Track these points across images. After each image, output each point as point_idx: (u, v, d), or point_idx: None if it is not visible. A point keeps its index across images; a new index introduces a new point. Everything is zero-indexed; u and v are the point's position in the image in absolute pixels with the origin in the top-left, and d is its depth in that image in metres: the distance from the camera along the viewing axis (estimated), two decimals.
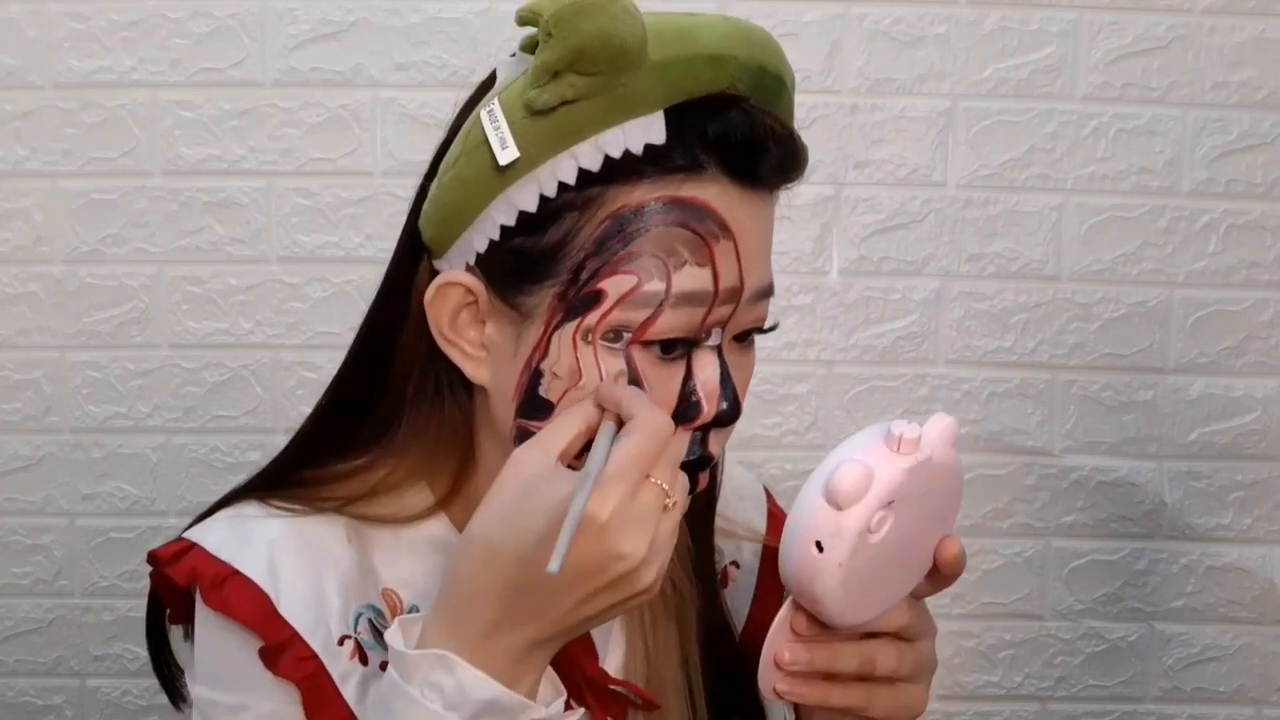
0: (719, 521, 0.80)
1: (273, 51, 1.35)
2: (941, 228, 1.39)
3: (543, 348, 0.64)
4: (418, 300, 0.67)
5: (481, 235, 0.64)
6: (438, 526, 0.72)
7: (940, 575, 0.65)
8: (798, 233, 1.38)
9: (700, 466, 0.66)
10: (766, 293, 0.67)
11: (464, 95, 0.69)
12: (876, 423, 0.61)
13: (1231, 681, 1.46)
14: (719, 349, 0.65)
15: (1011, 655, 1.45)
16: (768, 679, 0.65)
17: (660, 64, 0.61)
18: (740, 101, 0.63)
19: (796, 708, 0.69)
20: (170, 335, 1.38)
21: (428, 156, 0.69)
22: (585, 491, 0.55)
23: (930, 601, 0.67)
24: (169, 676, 0.76)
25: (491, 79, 0.67)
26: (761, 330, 0.68)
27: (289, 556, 0.67)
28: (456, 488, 0.71)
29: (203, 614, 0.67)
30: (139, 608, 0.75)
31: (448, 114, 0.69)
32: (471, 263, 0.65)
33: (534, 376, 0.64)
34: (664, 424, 0.58)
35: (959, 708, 1.46)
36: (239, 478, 0.73)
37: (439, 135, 0.69)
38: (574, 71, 0.60)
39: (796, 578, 0.61)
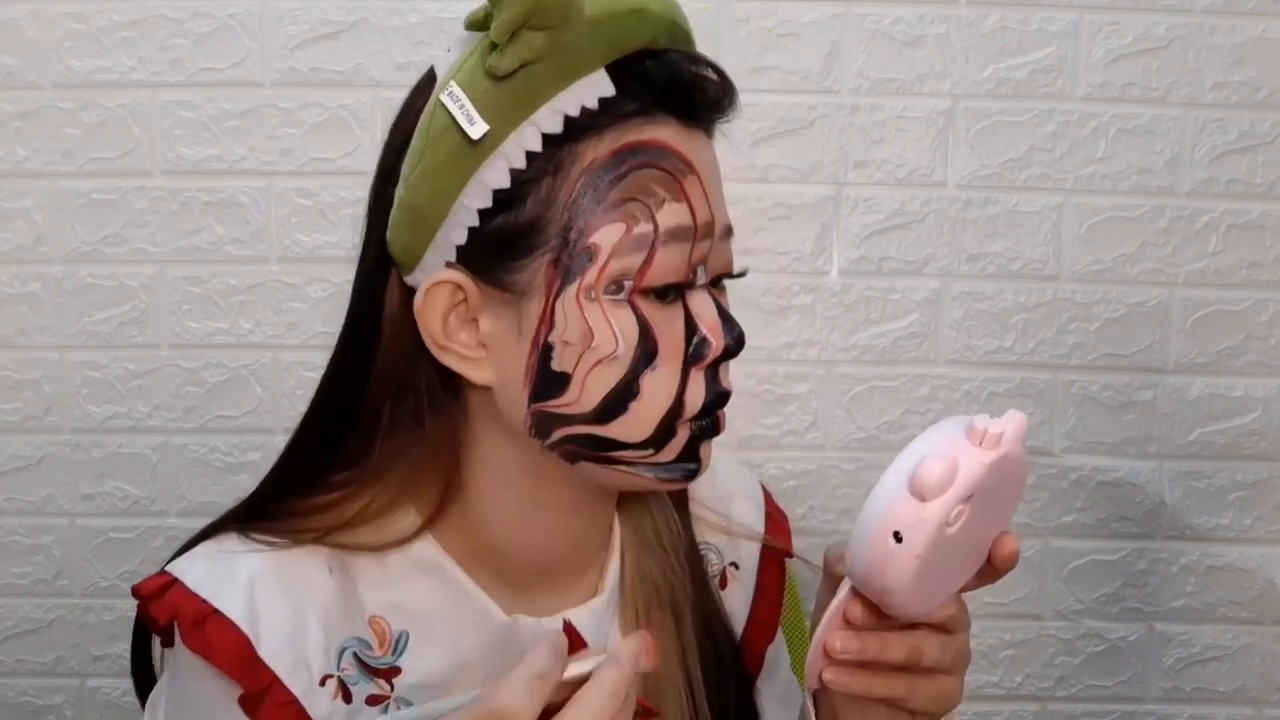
0: (718, 519, 0.79)
1: (273, 51, 1.35)
2: (941, 228, 1.39)
3: (548, 319, 0.64)
4: (389, 323, 0.67)
5: (458, 227, 0.64)
6: (424, 548, 0.71)
7: (993, 570, 0.65)
8: (798, 233, 1.38)
9: (720, 404, 0.67)
10: (730, 232, 0.69)
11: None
12: (955, 416, 0.61)
13: (1231, 681, 1.46)
14: (708, 288, 0.67)
15: (1011, 655, 1.45)
16: (815, 666, 0.65)
17: (593, 20, 0.63)
18: (667, 52, 0.66)
19: (815, 700, 0.69)
20: (170, 335, 1.38)
21: None
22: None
23: None
24: (147, 692, 0.76)
25: (429, 78, 0.67)
26: (732, 275, 0.70)
27: (269, 592, 0.67)
28: (443, 508, 0.71)
29: (183, 653, 0.66)
30: None
31: None
32: (452, 259, 0.65)
33: (544, 352, 0.64)
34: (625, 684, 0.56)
35: (959, 707, 1.45)
36: (239, 478, 0.73)
37: None
38: (529, 27, 0.61)
39: (867, 567, 0.61)
